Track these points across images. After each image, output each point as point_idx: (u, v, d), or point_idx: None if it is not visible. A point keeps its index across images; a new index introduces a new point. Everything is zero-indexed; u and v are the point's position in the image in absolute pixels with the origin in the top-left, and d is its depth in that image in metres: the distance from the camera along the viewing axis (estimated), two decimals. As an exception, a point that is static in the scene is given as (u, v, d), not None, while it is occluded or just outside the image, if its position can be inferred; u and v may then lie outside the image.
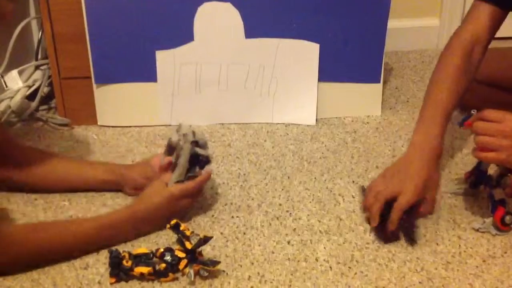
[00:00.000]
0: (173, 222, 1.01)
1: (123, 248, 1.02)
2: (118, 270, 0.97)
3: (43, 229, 1.02)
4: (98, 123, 1.46)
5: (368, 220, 1.10)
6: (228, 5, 1.40)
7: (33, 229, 1.02)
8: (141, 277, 0.97)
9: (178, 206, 1.08)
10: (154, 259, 0.98)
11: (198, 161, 1.10)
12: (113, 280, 0.97)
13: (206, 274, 0.97)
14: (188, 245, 0.97)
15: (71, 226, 1.05)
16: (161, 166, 1.11)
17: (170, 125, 1.46)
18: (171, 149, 1.12)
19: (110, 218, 1.06)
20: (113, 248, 1.00)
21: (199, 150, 1.10)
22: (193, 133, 1.10)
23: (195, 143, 1.10)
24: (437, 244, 1.06)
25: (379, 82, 1.48)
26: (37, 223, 1.11)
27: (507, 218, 1.06)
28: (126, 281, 0.98)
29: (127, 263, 0.96)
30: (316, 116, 1.47)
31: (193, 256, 0.98)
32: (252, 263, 1.02)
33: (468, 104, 1.48)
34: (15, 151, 1.17)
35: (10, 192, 1.20)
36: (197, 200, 1.14)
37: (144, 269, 0.96)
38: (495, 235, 1.08)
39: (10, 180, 1.16)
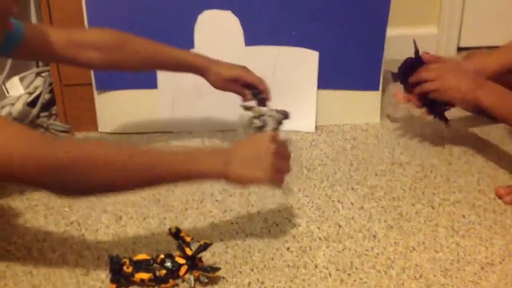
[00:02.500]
0: (173, 227, 1.02)
1: (124, 254, 1.03)
2: (118, 276, 0.97)
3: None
4: (99, 130, 1.47)
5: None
6: (228, 13, 1.41)
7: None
8: (142, 283, 0.98)
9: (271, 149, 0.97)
10: (155, 265, 0.99)
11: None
12: (114, 286, 0.98)
13: (206, 280, 0.98)
14: (188, 252, 0.98)
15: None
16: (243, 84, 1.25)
17: (171, 132, 1.47)
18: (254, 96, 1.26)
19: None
20: (114, 254, 1.01)
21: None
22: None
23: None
24: (436, 251, 1.07)
25: (378, 89, 1.49)
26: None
27: None
28: (127, 287, 0.98)
29: (127, 269, 0.97)
30: (316, 123, 1.48)
31: (193, 262, 0.99)
32: (252, 270, 1.03)
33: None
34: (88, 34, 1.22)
35: (11, 196, 1.21)
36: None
37: (145, 275, 0.97)
38: None
39: (91, 63, 1.21)
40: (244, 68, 1.27)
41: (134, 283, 0.98)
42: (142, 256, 1.00)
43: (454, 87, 1.24)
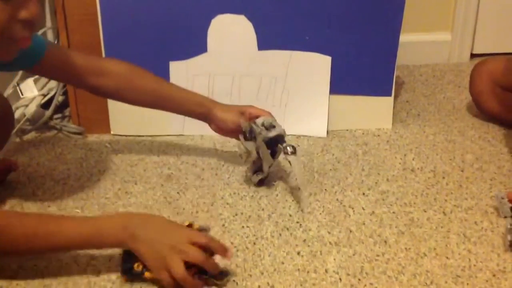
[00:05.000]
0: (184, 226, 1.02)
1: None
2: (130, 263, 0.97)
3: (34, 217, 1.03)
4: (111, 132, 1.48)
5: None
6: (242, 17, 1.42)
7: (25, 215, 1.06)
8: (152, 281, 0.98)
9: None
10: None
11: (275, 141, 1.21)
12: (125, 277, 0.98)
13: (217, 283, 0.98)
14: (199, 254, 0.98)
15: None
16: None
17: (182, 135, 1.47)
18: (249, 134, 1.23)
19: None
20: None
21: (268, 133, 1.20)
22: (262, 125, 1.21)
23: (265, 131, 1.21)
24: (447, 257, 1.06)
25: (390, 95, 1.49)
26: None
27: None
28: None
29: (137, 268, 0.97)
30: (327, 128, 1.48)
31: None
32: (262, 273, 1.03)
33: (492, 110, 1.50)
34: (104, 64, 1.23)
35: (23, 197, 1.22)
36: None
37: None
38: None
39: (103, 91, 1.24)
40: (243, 111, 1.27)
41: (145, 280, 0.98)
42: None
43: None
